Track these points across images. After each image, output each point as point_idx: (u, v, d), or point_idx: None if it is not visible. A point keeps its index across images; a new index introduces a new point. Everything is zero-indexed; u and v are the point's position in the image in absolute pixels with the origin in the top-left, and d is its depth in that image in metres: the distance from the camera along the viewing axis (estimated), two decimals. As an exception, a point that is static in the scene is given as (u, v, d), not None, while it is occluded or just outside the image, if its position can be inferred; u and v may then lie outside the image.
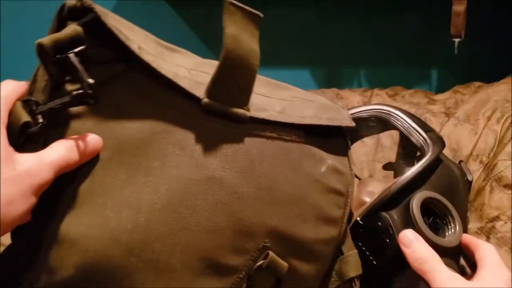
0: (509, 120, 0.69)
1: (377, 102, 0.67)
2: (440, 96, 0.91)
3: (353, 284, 0.44)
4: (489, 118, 0.72)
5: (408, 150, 0.61)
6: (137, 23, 0.41)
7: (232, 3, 0.37)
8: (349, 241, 0.45)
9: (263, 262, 0.38)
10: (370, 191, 0.56)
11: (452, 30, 0.89)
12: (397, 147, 0.64)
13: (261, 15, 0.38)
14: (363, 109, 0.58)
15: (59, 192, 0.34)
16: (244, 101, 0.39)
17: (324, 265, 0.43)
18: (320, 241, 0.41)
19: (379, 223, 0.45)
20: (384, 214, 0.45)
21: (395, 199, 0.47)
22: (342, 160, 0.44)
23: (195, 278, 0.36)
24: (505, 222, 0.56)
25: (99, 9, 0.35)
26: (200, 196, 0.36)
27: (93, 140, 0.35)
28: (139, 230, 0.34)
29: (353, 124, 0.46)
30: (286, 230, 0.39)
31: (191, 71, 0.39)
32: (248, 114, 0.39)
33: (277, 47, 1.16)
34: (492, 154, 0.66)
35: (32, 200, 0.32)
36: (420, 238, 0.44)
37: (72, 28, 0.34)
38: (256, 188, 0.38)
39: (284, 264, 0.39)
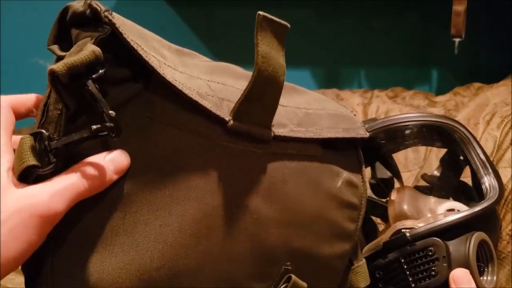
0: (508, 125, 0.68)
1: (444, 115, 0.61)
2: (440, 98, 0.91)
3: None
4: (488, 123, 0.71)
5: (454, 170, 0.59)
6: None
7: (264, 18, 0.35)
8: (358, 251, 0.45)
9: (285, 286, 0.38)
10: (411, 203, 0.54)
11: (452, 30, 0.90)
12: (440, 162, 0.61)
13: (288, 25, 0.36)
14: (428, 119, 0.53)
15: (77, 229, 0.32)
16: (268, 120, 0.37)
17: (338, 279, 0.42)
18: (336, 257, 0.41)
19: (433, 249, 0.44)
20: (441, 242, 0.44)
21: (455, 230, 0.45)
22: (355, 172, 0.43)
23: None
24: (507, 242, 0.55)
25: (117, 20, 0.31)
26: (225, 225, 0.35)
27: (117, 158, 0.32)
28: (166, 267, 0.33)
29: (367, 134, 0.45)
30: (306, 250, 0.39)
31: (210, 83, 0.37)
32: (272, 133, 0.38)
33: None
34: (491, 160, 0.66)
35: (32, 238, 0.29)
36: (473, 283, 0.43)
37: (90, 50, 0.30)
38: (279, 211, 0.38)
39: (304, 284, 0.38)
